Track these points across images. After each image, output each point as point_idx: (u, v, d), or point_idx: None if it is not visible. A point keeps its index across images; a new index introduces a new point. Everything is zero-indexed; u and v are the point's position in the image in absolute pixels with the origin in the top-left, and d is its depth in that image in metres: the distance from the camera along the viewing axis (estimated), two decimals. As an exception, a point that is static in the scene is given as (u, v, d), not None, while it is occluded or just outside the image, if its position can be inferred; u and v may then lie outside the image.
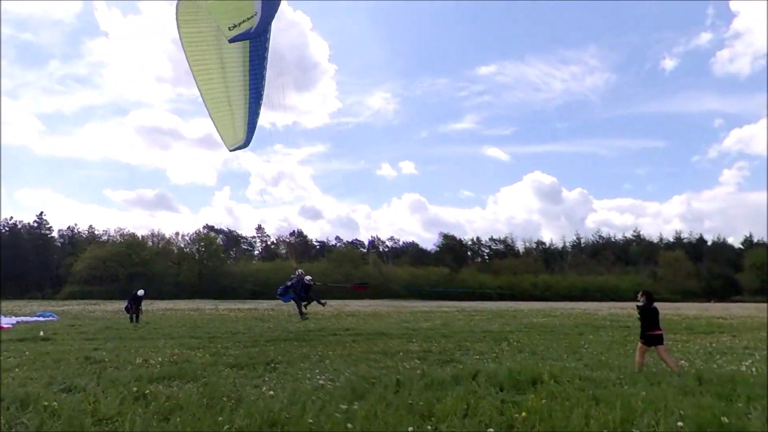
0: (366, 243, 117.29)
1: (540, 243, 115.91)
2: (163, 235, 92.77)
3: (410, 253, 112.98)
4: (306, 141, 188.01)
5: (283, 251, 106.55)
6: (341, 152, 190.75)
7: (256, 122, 8.07)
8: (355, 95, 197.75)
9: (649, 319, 10.47)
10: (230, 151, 8.83)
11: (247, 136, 8.21)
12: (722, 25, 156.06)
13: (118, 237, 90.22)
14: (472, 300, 69.33)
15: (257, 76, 7.52)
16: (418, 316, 29.84)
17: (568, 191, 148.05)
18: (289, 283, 9.72)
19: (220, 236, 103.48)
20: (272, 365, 10.53)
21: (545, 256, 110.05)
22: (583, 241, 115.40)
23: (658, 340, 10.42)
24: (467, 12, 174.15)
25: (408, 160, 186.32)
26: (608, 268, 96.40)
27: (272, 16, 6.12)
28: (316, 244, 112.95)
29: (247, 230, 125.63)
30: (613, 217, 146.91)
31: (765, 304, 62.92)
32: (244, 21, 5.71)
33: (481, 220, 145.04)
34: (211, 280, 78.94)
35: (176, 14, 7.13)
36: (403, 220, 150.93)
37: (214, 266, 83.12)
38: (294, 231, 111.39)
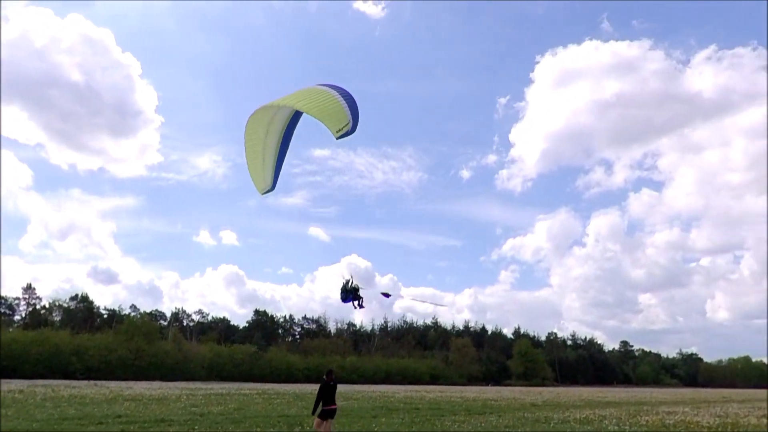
0: (168, 315, 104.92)
1: (351, 325, 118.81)
2: None
3: (219, 329, 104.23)
4: (113, 191, 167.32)
5: (57, 317, 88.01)
6: (155, 210, 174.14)
7: (279, 173, 11.59)
8: (181, 152, 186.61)
9: (328, 395, 11.63)
10: (262, 194, 11.76)
11: (273, 182, 11.59)
12: (504, 151, 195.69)
13: None
14: (278, 382, 66.16)
15: (286, 144, 11.33)
16: (211, 399, 27.04)
17: (380, 276, 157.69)
18: (350, 287, 12.14)
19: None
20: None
21: (355, 338, 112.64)
22: (389, 325, 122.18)
23: (331, 415, 11.58)
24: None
25: (230, 229, 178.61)
26: (409, 352, 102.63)
27: (357, 121, 9.55)
28: (103, 312, 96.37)
29: (10, 290, 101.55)
30: (417, 303, 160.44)
31: (527, 388, 74.10)
32: (344, 126, 9.19)
33: (296, 298, 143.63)
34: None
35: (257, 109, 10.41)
36: (216, 293, 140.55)
37: (-55, 334, 63.20)
38: (76, 295, 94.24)
